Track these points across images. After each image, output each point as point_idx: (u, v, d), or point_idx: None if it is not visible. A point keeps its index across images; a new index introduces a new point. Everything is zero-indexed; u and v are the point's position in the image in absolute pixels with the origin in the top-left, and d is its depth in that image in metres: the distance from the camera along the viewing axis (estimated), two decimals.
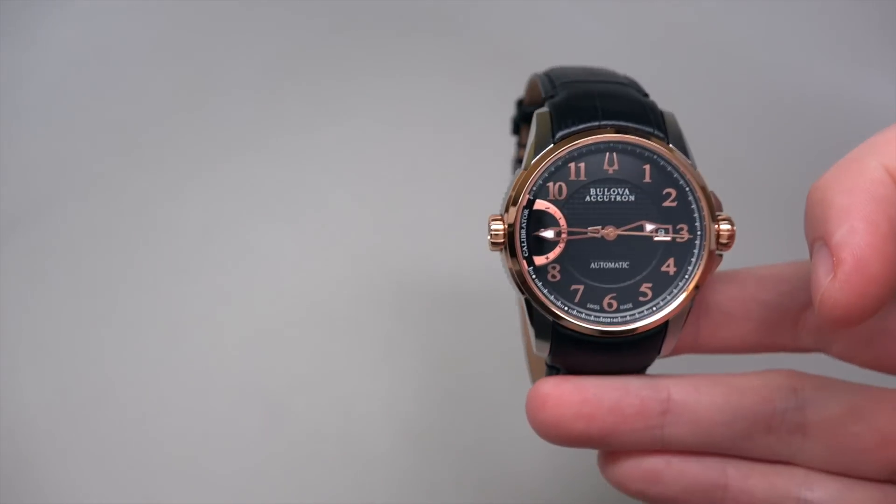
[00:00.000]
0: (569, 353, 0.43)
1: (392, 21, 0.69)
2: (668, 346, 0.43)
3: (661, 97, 0.65)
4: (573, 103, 0.43)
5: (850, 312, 0.35)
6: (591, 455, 0.46)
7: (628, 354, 0.43)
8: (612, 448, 0.44)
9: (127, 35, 0.72)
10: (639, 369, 0.44)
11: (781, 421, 0.43)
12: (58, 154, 0.70)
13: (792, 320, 0.45)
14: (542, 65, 0.49)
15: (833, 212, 0.36)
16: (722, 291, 0.45)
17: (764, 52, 0.69)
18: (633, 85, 0.46)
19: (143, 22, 0.72)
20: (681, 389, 0.43)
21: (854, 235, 0.35)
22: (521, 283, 0.42)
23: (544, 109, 0.44)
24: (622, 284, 0.42)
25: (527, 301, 0.43)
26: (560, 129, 0.42)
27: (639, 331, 0.42)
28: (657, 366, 0.45)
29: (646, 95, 0.45)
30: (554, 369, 0.45)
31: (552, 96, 0.44)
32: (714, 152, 0.65)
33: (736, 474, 0.44)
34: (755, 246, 0.60)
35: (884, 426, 0.42)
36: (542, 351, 0.44)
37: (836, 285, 0.35)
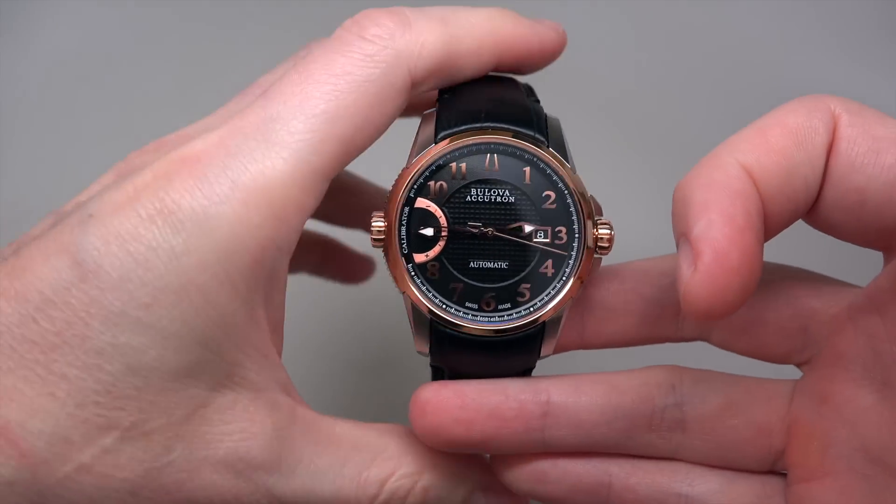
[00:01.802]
0: (448, 351, 0.44)
1: None
2: (547, 346, 0.44)
3: (661, 95, 0.66)
4: (460, 105, 0.44)
5: (713, 304, 0.36)
6: None
7: (508, 354, 0.44)
8: (494, 452, 0.45)
9: (128, 35, 0.73)
10: (521, 370, 0.45)
11: (661, 419, 0.44)
12: (58, 154, 0.70)
13: (673, 312, 0.45)
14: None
15: (692, 207, 0.37)
16: (605, 287, 0.45)
17: (764, 52, 0.69)
18: (527, 90, 0.47)
19: (144, 22, 0.73)
20: (561, 391, 0.44)
21: (712, 228, 0.36)
22: (399, 280, 0.43)
23: (431, 109, 0.45)
24: (501, 284, 0.43)
25: (405, 297, 0.43)
26: (443, 128, 0.43)
27: (516, 331, 0.43)
28: (563, 360, 0.45)
29: (536, 101, 0.46)
30: (438, 370, 0.45)
31: (444, 97, 0.45)
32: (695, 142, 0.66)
33: (619, 472, 0.44)
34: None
35: (758, 418, 0.43)
36: (423, 347, 0.44)
37: (697, 278, 0.36)
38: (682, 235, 0.37)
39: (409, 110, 0.48)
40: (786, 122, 0.38)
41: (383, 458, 0.43)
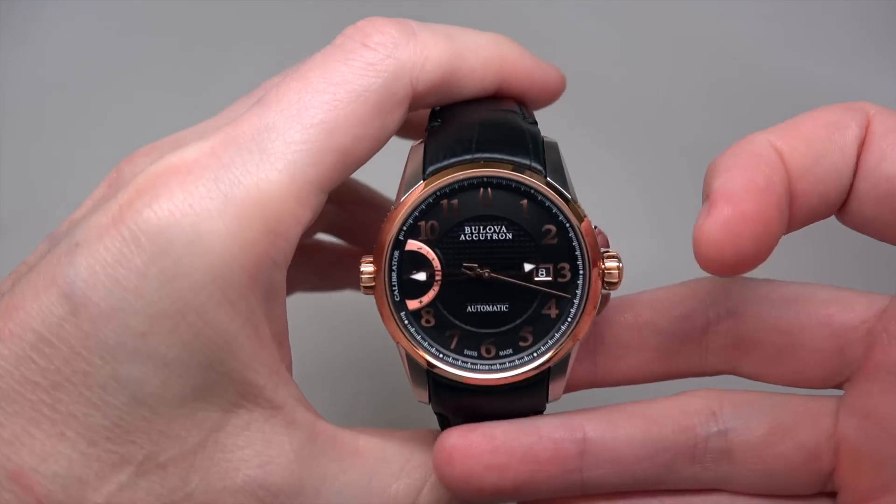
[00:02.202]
0: (449, 400, 0.41)
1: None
2: (555, 389, 0.41)
3: (658, 98, 0.65)
4: (448, 135, 0.41)
5: (724, 250, 0.36)
6: None
7: (514, 400, 0.41)
8: (530, 498, 0.42)
9: (128, 35, 0.72)
10: (529, 414, 0.42)
11: (705, 449, 0.41)
12: (57, 154, 0.69)
13: (694, 343, 0.43)
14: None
15: (717, 172, 0.37)
16: (616, 322, 0.43)
17: (765, 53, 0.68)
18: (521, 112, 0.43)
19: (143, 21, 0.72)
20: (596, 426, 0.41)
21: (729, 181, 0.36)
22: (392, 331, 0.41)
23: (419, 142, 0.42)
24: (501, 329, 0.40)
25: (399, 348, 0.41)
26: (431, 163, 0.40)
27: (518, 378, 0.40)
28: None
29: (533, 123, 0.43)
30: (442, 417, 0.43)
31: (432, 126, 0.43)
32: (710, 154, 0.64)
33: None
34: None
35: (807, 441, 0.41)
36: (422, 397, 0.42)
37: (709, 220, 0.36)
38: (705, 198, 0.37)
39: (406, 130, 0.45)
40: (819, 116, 0.39)
41: (411, 467, 0.42)
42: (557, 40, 0.65)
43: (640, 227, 0.65)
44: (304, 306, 0.53)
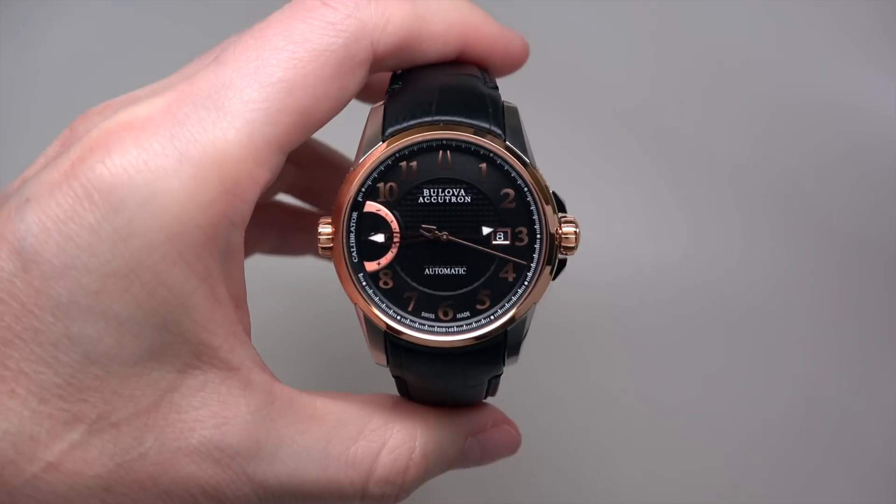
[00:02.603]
0: (407, 363, 0.42)
1: None
2: (510, 355, 0.42)
3: (662, 98, 0.65)
4: (408, 97, 0.41)
5: None
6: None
7: (471, 364, 0.41)
8: None
9: (129, 34, 0.71)
10: (487, 378, 0.43)
11: None
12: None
13: None
14: (546, 62, 0.47)
15: None
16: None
17: (768, 53, 0.68)
18: (482, 76, 0.43)
19: (144, 20, 0.71)
20: None
21: None
22: (350, 292, 0.41)
23: (379, 104, 0.42)
24: (459, 291, 0.41)
25: (357, 309, 0.41)
26: (391, 125, 0.40)
27: (475, 340, 0.40)
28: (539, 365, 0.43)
29: (494, 87, 0.43)
30: (401, 381, 0.43)
31: (393, 88, 0.42)
32: (716, 152, 0.65)
33: None
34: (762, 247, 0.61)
35: None
36: (380, 359, 0.42)
37: None
38: None
39: (366, 94, 0.45)
40: None
41: (369, 430, 0.42)
42: (550, 36, 0.66)
43: (632, 220, 0.65)
44: (263, 270, 0.53)
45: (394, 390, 0.44)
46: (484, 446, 0.45)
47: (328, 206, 0.54)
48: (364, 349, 0.42)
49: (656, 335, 0.64)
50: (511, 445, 0.46)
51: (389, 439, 0.42)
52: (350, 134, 0.45)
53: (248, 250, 0.52)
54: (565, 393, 0.62)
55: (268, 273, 0.56)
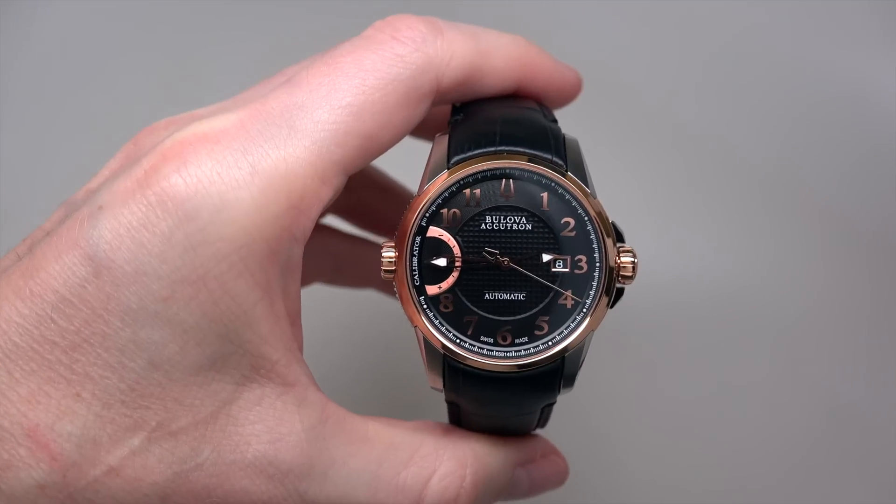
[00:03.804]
0: (463, 387, 0.42)
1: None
2: (567, 383, 0.42)
3: (681, 97, 0.65)
4: (472, 128, 0.43)
5: None
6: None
7: (526, 390, 0.42)
8: None
9: (116, 29, 0.72)
10: (541, 406, 0.43)
11: None
12: (44, 147, 0.70)
13: None
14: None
15: None
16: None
17: (793, 49, 0.68)
18: (541, 110, 0.45)
19: (145, 11, 0.72)
20: None
21: None
22: (411, 314, 0.42)
23: (443, 133, 0.43)
24: (518, 317, 0.41)
25: (417, 331, 0.42)
26: (456, 153, 0.42)
27: (533, 367, 0.41)
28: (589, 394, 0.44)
29: (553, 121, 0.44)
30: (454, 406, 0.44)
31: (455, 119, 0.44)
32: (738, 151, 0.66)
33: None
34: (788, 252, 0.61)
35: None
36: (436, 383, 0.43)
37: None
38: None
39: (422, 130, 0.47)
40: None
41: (420, 455, 0.42)
42: (570, 38, 0.67)
43: (655, 225, 0.65)
44: (318, 297, 0.54)
45: (440, 419, 0.45)
46: (532, 477, 0.45)
47: (373, 228, 0.57)
48: (410, 376, 0.43)
49: (679, 344, 0.64)
50: (559, 477, 0.46)
51: (440, 466, 0.42)
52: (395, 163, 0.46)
53: (306, 279, 0.53)
54: (596, 411, 0.62)
55: (319, 296, 0.57)
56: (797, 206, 0.66)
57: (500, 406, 0.43)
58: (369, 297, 0.58)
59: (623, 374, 0.64)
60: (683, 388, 0.62)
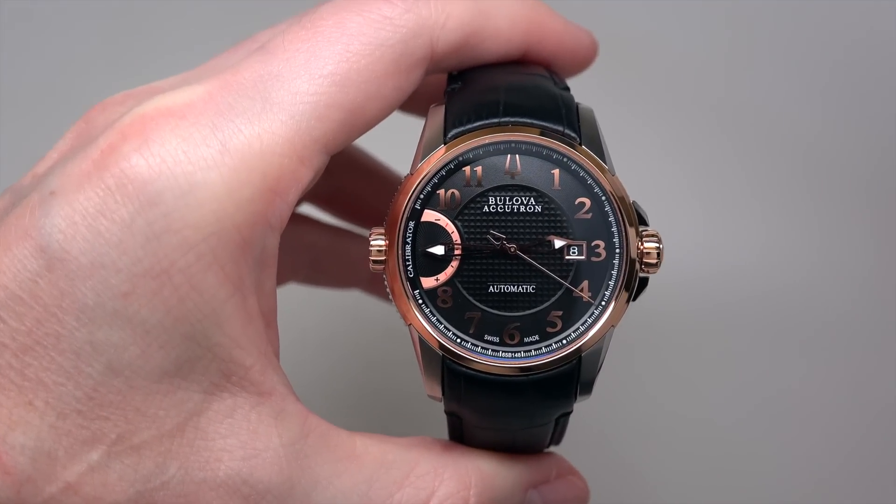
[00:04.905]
0: (465, 395, 0.38)
1: None
2: (584, 388, 0.38)
3: (719, 67, 0.61)
4: (472, 97, 0.39)
5: None
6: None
7: (538, 398, 0.38)
8: None
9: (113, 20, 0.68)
10: (556, 416, 0.39)
11: None
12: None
13: None
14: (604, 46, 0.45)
15: None
16: None
17: (841, 29, 0.65)
18: (551, 77, 0.41)
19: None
20: None
21: None
22: (405, 310, 0.38)
23: (438, 104, 0.40)
24: (527, 312, 0.38)
25: (412, 330, 0.38)
26: (453, 126, 0.38)
27: (546, 368, 0.37)
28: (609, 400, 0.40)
29: (565, 88, 0.41)
30: (455, 418, 0.40)
31: (453, 88, 0.40)
32: (788, 135, 0.62)
33: None
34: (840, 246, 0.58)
35: None
36: (434, 391, 0.39)
37: None
38: None
39: (411, 103, 0.43)
40: None
41: (416, 475, 0.39)
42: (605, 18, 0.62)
43: (683, 205, 0.61)
44: (293, 298, 0.50)
45: (440, 436, 0.41)
46: (547, 500, 0.42)
47: (357, 218, 0.53)
48: (403, 387, 0.39)
49: (723, 345, 0.61)
50: (578, 501, 0.43)
51: (439, 487, 0.39)
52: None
53: (281, 277, 0.50)
54: (628, 421, 0.58)
55: (295, 297, 0.52)
56: (851, 194, 0.62)
57: (508, 416, 0.39)
58: (354, 299, 0.54)
59: (650, 380, 0.60)
60: (724, 398, 0.58)
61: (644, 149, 0.62)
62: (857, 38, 0.64)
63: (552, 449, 0.43)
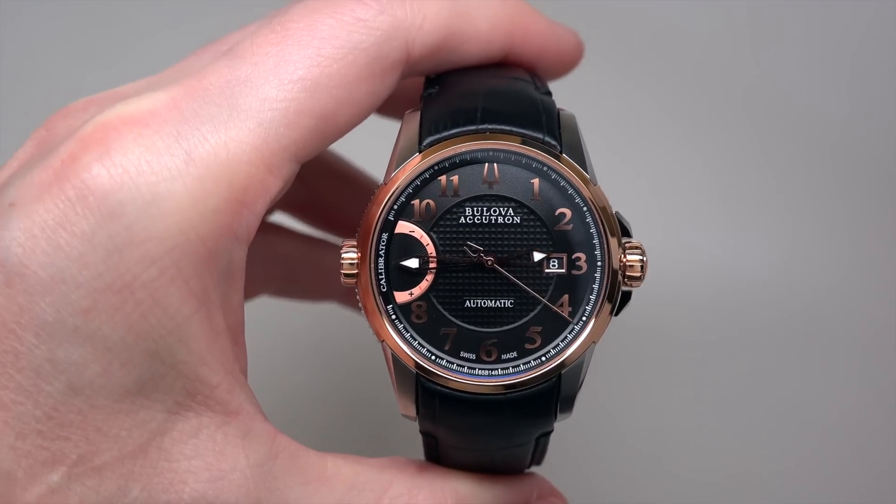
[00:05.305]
0: (440, 414, 0.37)
1: None
2: (564, 406, 0.37)
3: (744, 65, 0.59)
4: (449, 103, 0.38)
5: None
6: None
7: (517, 417, 0.37)
8: None
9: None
10: (535, 436, 0.38)
11: None
12: None
13: None
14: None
15: None
16: None
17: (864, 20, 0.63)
18: (532, 80, 0.40)
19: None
20: None
21: None
22: (377, 326, 0.37)
23: (413, 110, 0.38)
24: (504, 328, 0.37)
25: (384, 347, 0.37)
26: (429, 134, 0.37)
27: (524, 386, 0.36)
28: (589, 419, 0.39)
29: (546, 93, 0.40)
30: (430, 439, 0.39)
31: (429, 93, 0.39)
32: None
33: None
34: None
35: None
36: (408, 410, 0.38)
37: None
38: None
39: (388, 107, 0.42)
40: None
41: (390, 497, 0.38)
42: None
43: (672, 213, 0.60)
44: (266, 312, 0.48)
45: (415, 456, 0.40)
46: None
47: (332, 226, 0.52)
48: (376, 405, 0.38)
49: (739, 363, 0.59)
50: None
51: None
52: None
53: (251, 290, 0.48)
54: (613, 440, 0.56)
55: (267, 311, 0.51)
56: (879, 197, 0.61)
57: (486, 436, 0.38)
58: (328, 312, 0.53)
59: (635, 397, 0.58)
60: (717, 417, 0.57)
61: (646, 152, 0.61)
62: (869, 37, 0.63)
63: (533, 469, 0.41)
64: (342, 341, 0.57)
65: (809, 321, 0.59)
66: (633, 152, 0.61)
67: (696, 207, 0.60)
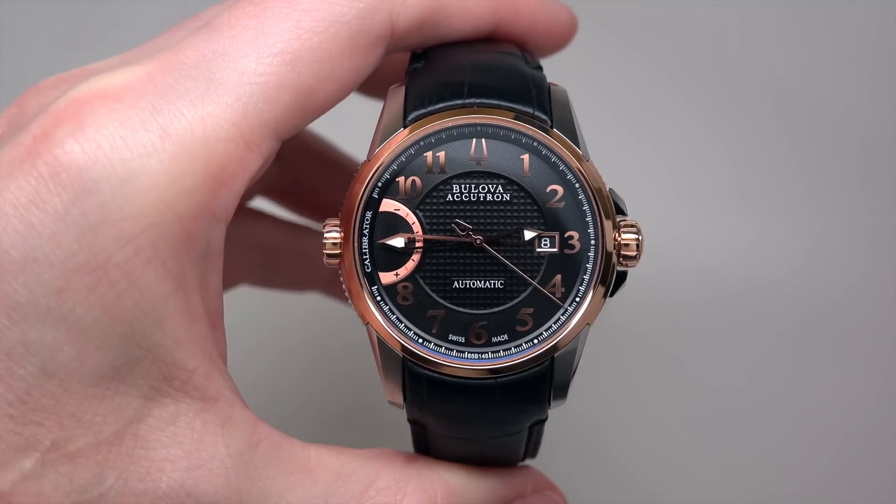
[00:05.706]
0: (428, 401, 0.36)
1: None
2: (558, 392, 0.36)
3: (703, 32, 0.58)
4: (435, 77, 0.37)
5: None
6: None
7: (509, 403, 0.36)
8: None
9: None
10: (528, 423, 0.37)
11: None
12: None
13: None
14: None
15: None
16: None
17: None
18: (521, 54, 0.39)
19: None
20: None
21: None
22: (362, 308, 0.36)
23: (398, 84, 0.38)
24: (495, 310, 0.36)
25: (369, 329, 0.36)
26: (414, 108, 0.36)
27: (516, 370, 0.35)
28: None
29: (537, 67, 0.39)
30: (419, 427, 0.38)
31: (414, 68, 0.38)
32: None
33: None
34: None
35: None
36: (395, 397, 0.36)
37: None
38: None
39: (372, 86, 0.41)
40: None
41: (376, 489, 0.37)
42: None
43: (673, 193, 0.59)
44: (245, 302, 0.47)
45: (405, 448, 0.39)
46: None
47: (314, 210, 0.51)
48: (362, 394, 0.37)
49: (711, 345, 0.58)
50: None
51: (403, 501, 0.37)
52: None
53: (230, 279, 0.47)
54: (610, 429, 0.54)
55: (247, 301, 0.50)
56: (841, 182, 0.60)
57: (476, 424, 0.37)
58: (311, 302, 0.51)
59: (647, 393, 0.57)
60: (727, 414, 0.56)
61: (646, 134, 0.60)
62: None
63: (528, 462, 0.40)
64: (326, 331, 0.56)
65: (828, 318, 0.58)
66: (651, 143, 0.60)
67: (713, 199, 0.59)
